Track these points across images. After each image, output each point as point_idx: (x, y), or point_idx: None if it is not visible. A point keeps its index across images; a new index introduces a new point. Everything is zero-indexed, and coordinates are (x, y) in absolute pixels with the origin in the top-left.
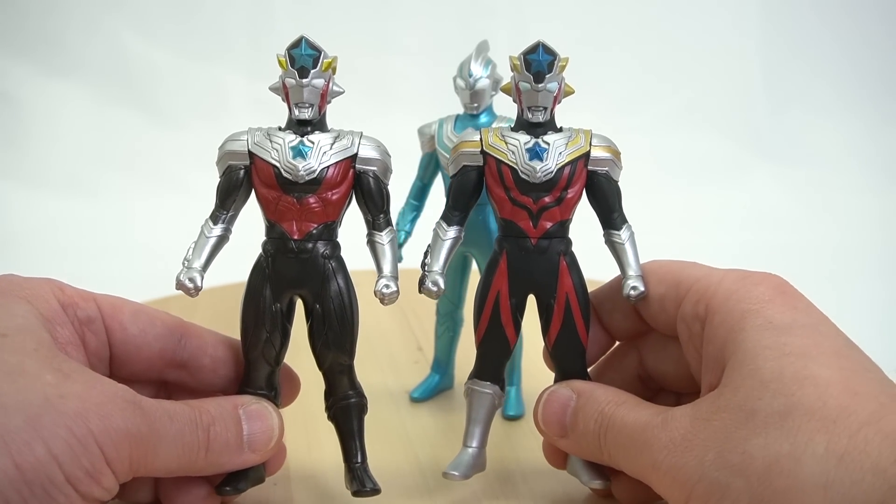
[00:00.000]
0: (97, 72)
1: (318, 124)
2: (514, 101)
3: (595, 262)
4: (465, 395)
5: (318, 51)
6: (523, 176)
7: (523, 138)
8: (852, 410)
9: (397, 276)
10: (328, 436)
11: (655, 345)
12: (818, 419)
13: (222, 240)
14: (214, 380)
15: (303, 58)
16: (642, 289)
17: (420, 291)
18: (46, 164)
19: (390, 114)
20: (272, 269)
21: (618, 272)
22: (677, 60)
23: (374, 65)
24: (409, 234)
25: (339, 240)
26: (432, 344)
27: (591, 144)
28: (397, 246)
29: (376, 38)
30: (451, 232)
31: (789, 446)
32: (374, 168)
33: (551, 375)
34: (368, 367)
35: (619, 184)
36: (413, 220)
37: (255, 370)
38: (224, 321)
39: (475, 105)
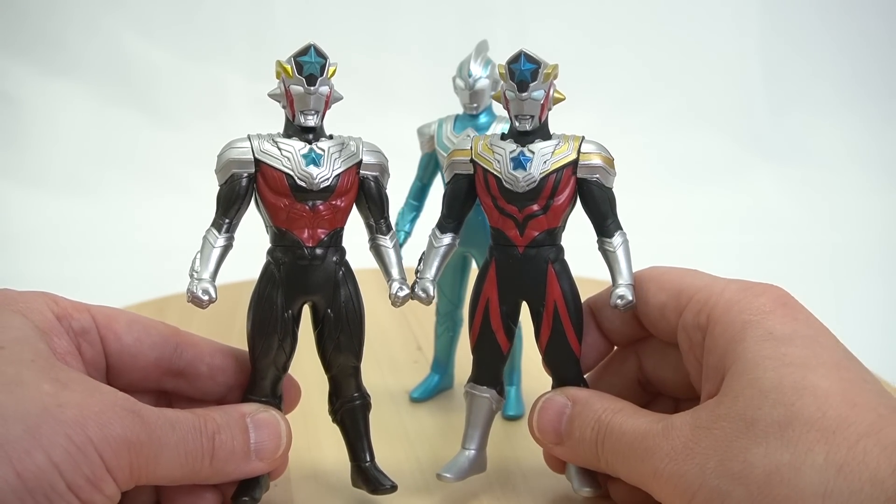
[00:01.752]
0: (97, 72)
1: (320, 130)
2: (504, 108)
3: (598, 262)
4: (465, 397)
5: (325, 58)
6: (507, 185)
7: (510, 147)
8: (851, 421)
9: (406, 279)
10: (328, 436)
11: (655, 351)
12: (818, 429)
13: (227, 249)
14: (213, 388)
15: (311, 65)
16: (630, 298)
17: (411, 298)
18: (46, 164)
19: (390, 114)
20: (283, 276)
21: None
22: (677, 60)
23: (373, 65)
24: (408, 234)
25: (344, 246)
26: (432, 344)
27: (579, 152)
28: (399, 247)
29: (376, 38)
30: (445, 239)
31: (789, 456)
32: (376, 173)
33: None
34: (368, 367)
35: (612, 190)
36: (413, 221)
37: (263, 378)
38: (224, 321)
39: (474, 105)
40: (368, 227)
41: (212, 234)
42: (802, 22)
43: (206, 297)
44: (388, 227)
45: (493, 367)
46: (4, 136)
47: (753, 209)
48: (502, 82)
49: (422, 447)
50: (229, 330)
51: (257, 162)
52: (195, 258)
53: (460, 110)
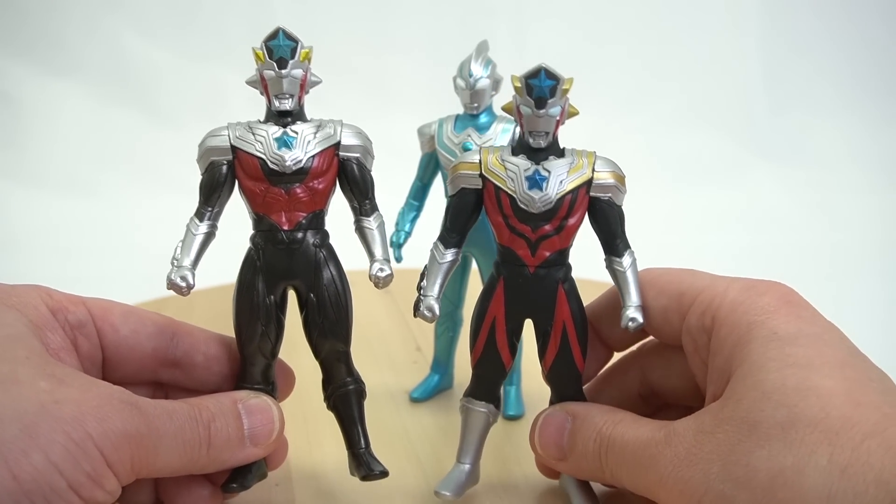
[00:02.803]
0: (97, 72)
1: (298, 115)
2: (515, 121)
3: (596, 263)
4: (461, 411)
5: (296, 41)
6: (522, 205)
7: (523, 164)
8: (855, 422)
9: (389, 259)
10: (330, 435)
11: (659, 360)
12: (821, 430)
13: (209, 237)
14: (209, 377)
15: (281, 49)
16: (640, 321)
17: (415, 316)
18: (46, 164)
19: (390, 114)
20: (263, 262)
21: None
22: (677, 60)
23: (374, 65)
24: (408, 234)
25: (327, 229)
26: (431, 344)
27: (594, 170)
28: (386, 232)
29: (376, 38)
30: (449, 255)
31: (793, 458)
32: (357, 154)
33: None
34: (368, 367)
35: (622, 208)
36: (413, 220)
37: (252, 365)
38: (222, 322)
39: (475, 105)
40: (353, 209)
41: (193, 223)
42: (802, 22)
43: (183, 284)
44: (373, 209)
45: (494, 383)
46: (4, 136)
47: (753, 209)
48: (516, 96)
49: (422, 447)
50: (229, 330)
51: (234, 149)
52: (177, 247)
53: (461, 110)
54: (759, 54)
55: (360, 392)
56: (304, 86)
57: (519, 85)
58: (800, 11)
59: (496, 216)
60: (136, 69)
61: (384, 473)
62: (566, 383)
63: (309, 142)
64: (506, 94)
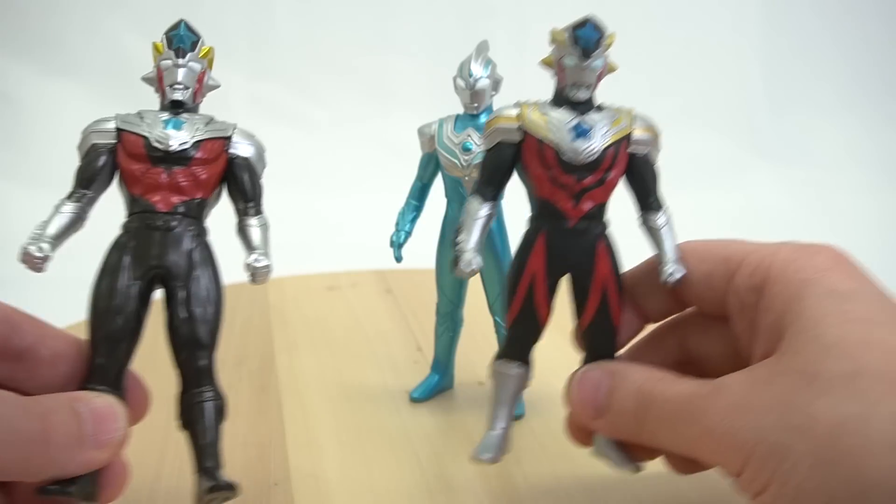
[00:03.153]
0: (97, 72)
1: (192, 110)
2: (555, 75)
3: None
4: (492, 376)
5: (198, 36)
6: (566, 157)
7: (566, 116)
8: None
9: (268, 253)
10: (329, 437)
11: (698, 327)
12: (887, 381)
13: (78, 219)
14: (54, 377)
15: (181, 38)
16: (681, 274)
17: (452, 271)
18: (46, 164)
19: (390, 114)
20: (134, 245)
21: (645, 256)
22: (677, 60)
23: (374, 65)
24: (409, 234)
25: (206, 225)
26: (432, 344)
27: (632, 125)
28: (269, 234)
29: (376, 38)
30: (485, 209)
31: (857, 407)
32: (247, 156)
33: (554, 372)
34: (368, 367)
35: (656, 167)
36: (413, 220)
37: (102, 366)
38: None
39: (475, 105)
40: (237, 211)
41: (62, 204)
42: (802, 23)
43: (39, 255)
44: (257, 213)
45: (528, 342)
46: (4, 136)
47: (753, 209)
48: (556, 48)
49: (422, 447)
50: (228, 332)
51: (119, 132)
52: (37, 225)
53: (461, 110)
54: (759, 55)
55: (220, 409)
56: (201, 81)
57: (564, 36)
58: (800, 12)
59: (538, 169)
60: (136, 69)
61: (231, 486)
62: (603, 342)
63: (198, 128)
64: (505, 94)
